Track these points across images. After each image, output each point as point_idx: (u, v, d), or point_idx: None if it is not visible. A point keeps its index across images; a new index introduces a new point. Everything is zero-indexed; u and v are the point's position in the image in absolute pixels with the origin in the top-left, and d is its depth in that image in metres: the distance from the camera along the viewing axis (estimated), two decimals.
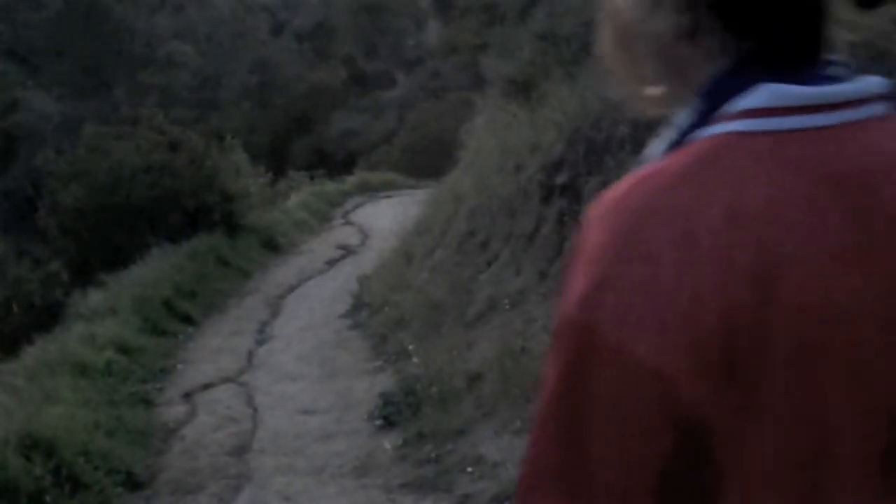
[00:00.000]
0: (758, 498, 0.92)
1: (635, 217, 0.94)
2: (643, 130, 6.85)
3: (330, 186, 24.77)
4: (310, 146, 37.12)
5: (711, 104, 1.00)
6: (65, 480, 6.20)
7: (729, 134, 0.96)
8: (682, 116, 1.03)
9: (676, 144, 1.02)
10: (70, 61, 36.07)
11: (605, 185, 5.58)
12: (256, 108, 38.31)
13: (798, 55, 1.00)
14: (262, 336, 11.13)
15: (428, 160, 27.41)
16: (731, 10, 0.99)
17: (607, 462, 0.92)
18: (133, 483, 6.73)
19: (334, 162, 32.59)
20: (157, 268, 13.93)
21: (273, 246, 17.80)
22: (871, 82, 1.00)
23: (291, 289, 14.02)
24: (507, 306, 7.98)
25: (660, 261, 0.91)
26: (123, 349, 9.82)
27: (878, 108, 0.99)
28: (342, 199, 23.01)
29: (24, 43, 35.91)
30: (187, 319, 12.15)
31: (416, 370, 7.94)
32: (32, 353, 9.90)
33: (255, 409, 8.26)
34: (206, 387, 9.15)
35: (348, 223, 20.18)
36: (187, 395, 8.84)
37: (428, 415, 6.94)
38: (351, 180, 26.39)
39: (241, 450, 7.28)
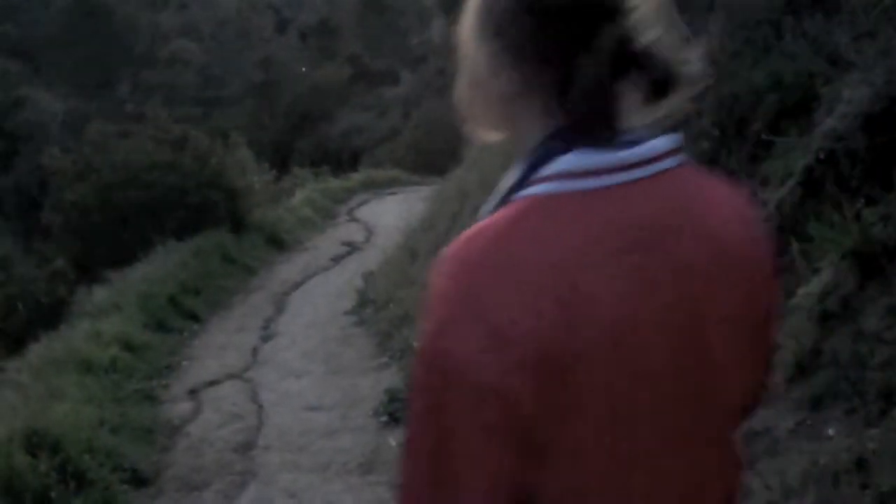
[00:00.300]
0: (581, 470, 1.22)
1: (469, 267, 1.22)
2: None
3: (334, 183, 24.76)
4: (314, 143, 37.11)
5: (531, 168, 1.29)
6: (70, 477, 6.20)
7: (541, 194, 1.25)
8: (506, 180, 1.33)
9: (503, 203, 1.30)
10: (75, 59, 36.10)
11: None
12: (261, 106, 38.30)
13: (599, 128, 1.27)
14: (267, 333, 11.14)
15: (433, 157, 27.42)
16: (547, 85, 1.30)
17: (473, 458, 1.19)
18: (138, 480, 6.73)
19: (339, 159, 32.58)
20: (162, 265, 13.94)
21: (278, 243, 17.81)
22: (661, 142, 1.32)
23: (296, 286, 14.02)
24: None
25: (489, 301, 1.18)
26: (129, 346, 9.82)
27: (669, 163, 1.31)
28: (347, 196, 23.01)
29: (29, 41, 35.94)
30: (192, 316, 12.16)
31: None
32: (38, 351, 9.91)
33: (261, 406, 8.26)
34: (212, 383, 9.15)
35: (353, 220, 20.17)
36: (192, 392, 8.84)
37: None
38: (356, 177, 26.38)
39: (246, 446, 7.28)
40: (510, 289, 1.19)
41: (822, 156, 4.49)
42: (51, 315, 14.55)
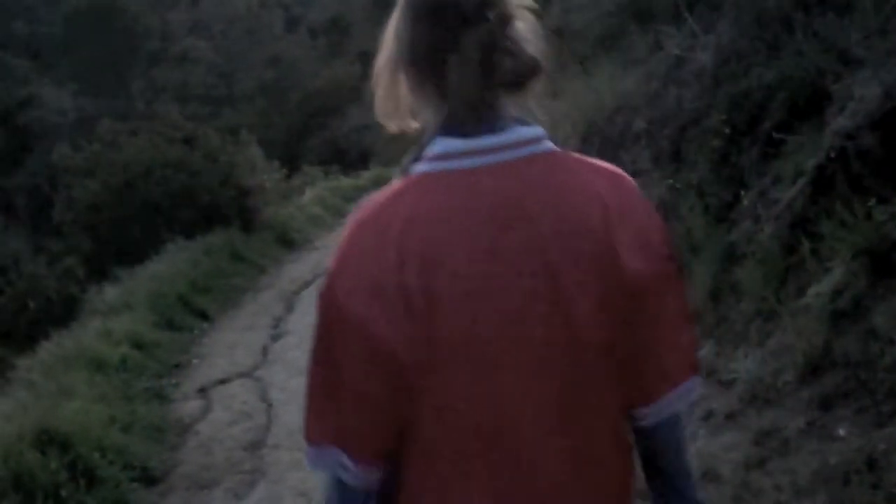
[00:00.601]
0: (436, 418, 1.56)
1: (356, 228, 1.60)
2: (658, 125, 6.83)
3: (345, 182, 24.77)
4: (324, 141, 37.13)
5: (420, 151, 1.64)
6: (80, 475, 6.20)
7: (419, 172, 1.60)
8: (406, 159, 1.67)
9: (402, 175, 1.65)
10: (86, 58, 36.17)
11: None
12: (271, 104, 38.32)
13: (467, 118, 1.60)
14: (277, 331, 11.13)
15: None
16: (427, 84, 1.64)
17: (351, 376, 1.55)
18: (148, 478, 6.73)
19: (349, 157, 32.59)
20: (172, 263, 13.94)
21: (288, 241, 17.81)
22: (526, 131, 1.63)
23: (306, 284, 14.01)
24: None
25: (367, 254, 1.55)
26: (139, 344, 9.82)
27: (533, 148, 1.62)
28: (357, 194, 22.99)
29: (40, 39, 36.02)
30: (202, 315, 12.16)
31: None
32: (48, 349, 9.92)
33: (270, 405, 8.26)
34: (221, 382, 9.15)
35: None
36: (202, 391, 8.84)
37: None
38: (366, 175, 26.39)
39: (255, 445, 7.28)
40: (383, 247, 1.55)
41: (833, 154, 4.48)
42: (61, 313, 14.59)
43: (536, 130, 1.66)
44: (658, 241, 1.67)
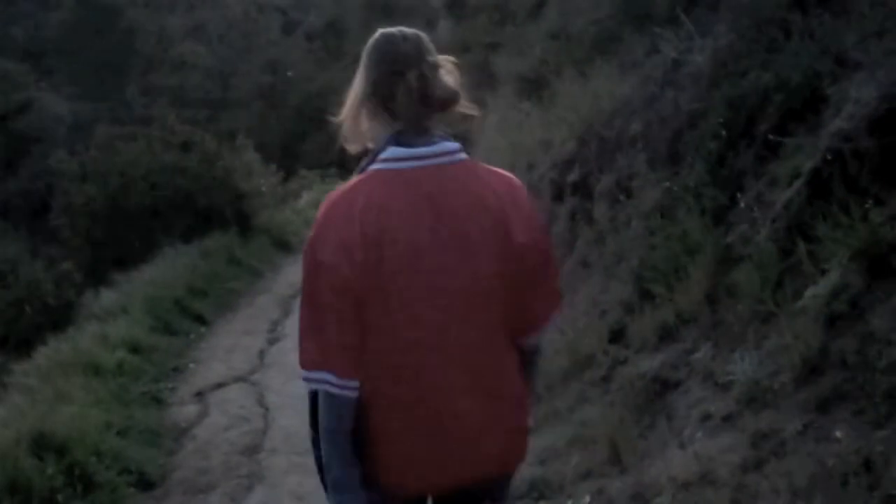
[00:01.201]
0: (390, 338, 2.48)
1: (330, 205, 2.49)
2: (654, 128, 6.83)
3: (342, 185, 24.75)
4: (321, 145, 37.09)
5: (375, 155, 2.51)
6: (77, 480, 6.20)
7: (373, 170, 2.48)
8: (364, 162, 2.54)
9: (361, 172, 2.54)
10: (82, 62, 36.14)
11: (616, 182, 5.59)
12: (268, 108, 38.29)
13: (409, 133, 2.49)
14: (274, 335, 11.13)
15: None
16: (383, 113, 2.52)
17: (329, 306, 2.44)
18: (145, 483, 6.73)
19: (346, 161, 32.48)
20: (169, 267, 13.95)
21: (285, 245, 17.83)
22: (450, 145, 2.53)
23: None
24: None
25: (337, 224, 2.44)
26: (135, 349, 9.82)
27: (454, 158, 2.54)
28: None
29: (37, 44, 36.00)
30: (199, 319, 12.17)
31: None
32: (45, 353, 9.91)
33: (267, 409, 8.26)
34: (218, 386, 9.15)
35: None
36: (199, 395, 8.84)
37: None
38: None
39: (252, 449, 7.27)
40: (349, 220, 2.46)
41: (829, 156, 4.48)
42: (58, 318, 14.56)
43: (456, 145, 2.60)
44: (536, 225, 2.70)
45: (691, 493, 4.10)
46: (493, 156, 11.90)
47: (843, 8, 5.19)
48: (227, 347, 10.83)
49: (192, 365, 10.08)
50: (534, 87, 11.22)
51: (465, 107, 2.62)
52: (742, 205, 5.20)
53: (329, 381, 2.52)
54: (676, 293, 5.46)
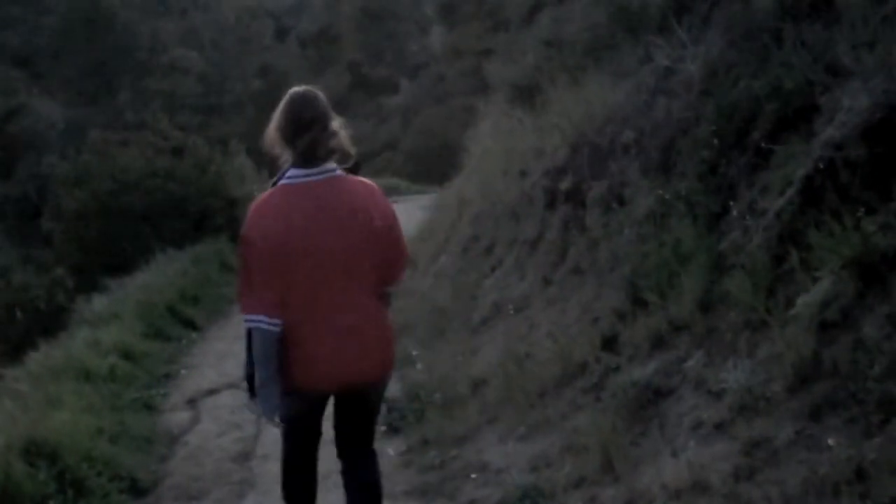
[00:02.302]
0: (294, 295, 3.99)
1: (254, 209, 4.09)
2: (647, 136, 6.84)
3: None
4: None
5: (283, 174, 4.12)
6: (68, 486, 6.17)
7: (280, 184, 4.08)
8: (276, 178, 4.17)
9: (272, 186, 4.16)
10: (75, 67, 36.11)
11: (609, 190, 5.60)
12: (261, 114, 38.31)
13: (308, 160, 4.04)
14: None
15: (432, 166, 27.44)
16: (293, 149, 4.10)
17: (257, 271, 4.00)
18: (137, 489, 6.70)
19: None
20: (161, 273, 13.94)
21: None
22: (331, 167, 4.09)
23: None
24: (512, 312, 7.97)
25: (258, 221, 4.02)
26: (127, 354, 9.81)
27: (335, 174, 4.10)
28: None
29: (29, 49, 35.95)
30: (191, 325, 12.15)
31: (421, 376, 7.92)
32: (37, 359, 9.90)
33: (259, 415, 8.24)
34: (210, 392, 9.13)
35: None
36: (191, 401, 8.83)
37: (432, 421, 6.92)
38: None
39: (244, 456, 7.26)
40: (266, 219, 3.98)
41: (821, 165, 4.49)
42: (50, 323, 14.55)
43: (334, 166, 4.07)
44: (389, 214, 4.16)
45: (684, 501, 4.10)
46: (485, 162, 11.92)
47: (835, 17, 5.20)
48: (219, 353, 10.81)
49: (183, 371, 10.06)
50: (526, 94, 11.23)
51: (347, 150, 4.16)
52: (734, 213, 5.21)
53: (262, 321, 3.98)
54: (669, 301, 5.47)
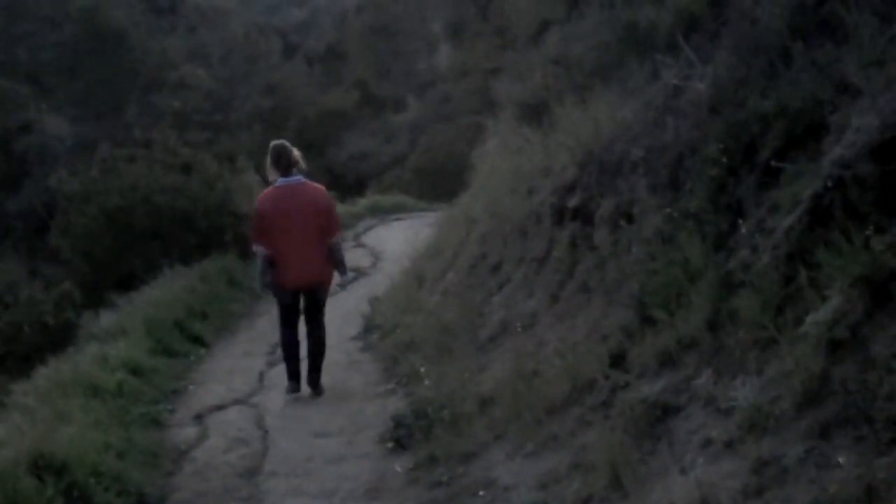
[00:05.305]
0: (278, 240, 9.24)
1: (262, 197, 9.61)
2: (655, 154, 6.85)
3: (341, 209, 24.75)
4: (321, 168, 37.16)
5: (275, 182, 9.42)
6: (76, 501, 6.19)
7: (274, 186, 9.38)
8: (272, 184, 9.46)
9: (270, 186, 9.53)
10: (83, 83, 36.24)
11: (617, 208, 5.61)
12: (268, 131, 38.35)
13: (286, 173, 9.35)
14: (274, 358, 11.11)
15: (439, 183, 27.46)
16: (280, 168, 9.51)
17: (259, 229, 9.41)
18: None
19: (346, 184, 32.60)
20: (169, 289, 13.96)
21: None
22: (299, 177, 9.41)
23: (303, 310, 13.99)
24: (519, 329, 7.97)
25: (264, 202, 9.46)
26: (135, 370, 9.83)
27: (302, 181, 9.44)
28: (354, 221, 23.02)
29: (38, 65, 36.09)
30: (199, 341, 12.17)
31: (428, 393, 7.92)
32: (45, 374, 9.92)
33: (267, 431, 8.25)
34: (218, 408, 9.14)
35: (360, 245, 20.17)
36: (199, 417, 8.83)
37: (440, 437, 6.92)
38: (362, 203, 26.46)
39: (252, 472, 7.26)
40: (266, 202, 9.40)
41: (830, 183, 4.50)
42: (58, 338, 14.57)
43: (300, 176, 9.40)
44: (329, 203, 9.60)
45: None
46: (493, 180, 11.93)
47: (843, 35, 5.22)
48: (226, 369, 10.83)
49: (191, 387, 10.08)
50: (534, 112, 11.24)
51: (302, 166, 9.43)
52: (743, 231, 5.21)
53: (261, 249, 9.26)
54: (677, 319, 5.46)
